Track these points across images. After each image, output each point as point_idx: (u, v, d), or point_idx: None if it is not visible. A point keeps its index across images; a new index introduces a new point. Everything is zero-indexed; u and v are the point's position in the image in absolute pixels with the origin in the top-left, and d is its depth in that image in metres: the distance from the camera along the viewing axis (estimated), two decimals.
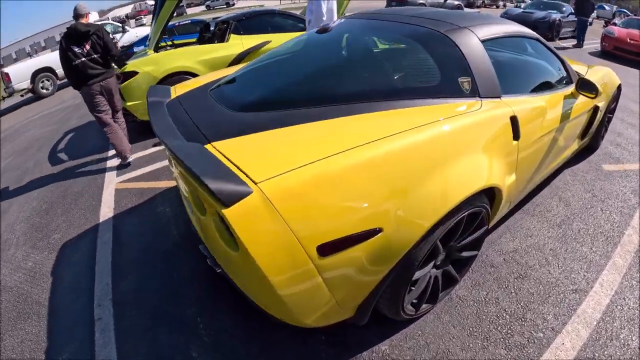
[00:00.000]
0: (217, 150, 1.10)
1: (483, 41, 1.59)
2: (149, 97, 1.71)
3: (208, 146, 1.12)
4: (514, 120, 1.51)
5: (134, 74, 3.94)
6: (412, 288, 1.41)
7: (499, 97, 1.55)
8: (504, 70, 1.92)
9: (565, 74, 2.18)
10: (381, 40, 1.79)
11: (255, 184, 0.93)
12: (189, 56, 4.20)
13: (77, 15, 3.16)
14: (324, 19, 3.42)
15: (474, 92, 1.47)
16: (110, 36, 3.23)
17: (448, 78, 1.47)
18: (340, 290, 1.11)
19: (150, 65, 4.00)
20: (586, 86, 2.01)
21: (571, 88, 2.10)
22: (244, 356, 1.49)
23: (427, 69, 1.51)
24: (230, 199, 0.90)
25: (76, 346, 1.62)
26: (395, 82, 1.52)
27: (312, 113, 1.26)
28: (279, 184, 0.94)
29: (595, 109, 2.51)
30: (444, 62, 1.50)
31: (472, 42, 1.54)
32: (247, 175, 0.96)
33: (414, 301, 1.49)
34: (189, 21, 7.95)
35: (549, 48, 2.10)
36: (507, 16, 9.58)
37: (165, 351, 1.54)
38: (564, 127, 2.05)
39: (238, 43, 4.48)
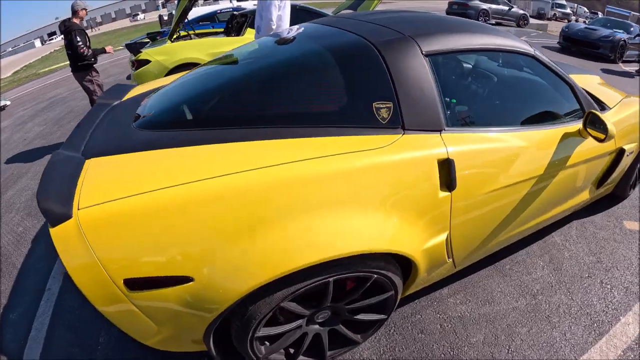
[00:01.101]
0: (87, 167, 1.04)
1: (429, 55, 1.20)
2: (98, 99, 1.70)
3: (87, 161, 1.06)
4: (446, 164, 1.13)
5: (146, 62, 3.98)
6: (267, 343, 1.20)
7: (439, 131, 1.17)
8: (468, 94, 1.50)
9: (575, 105, 1.67)
10: (310, 53, 1.44)
11: (78, 209, 0.89)
12: (201, 48, 4.14)
13: (71, 12, 3.48)
14: (274, 27, 2.88)
15: (395, 123, 1.12)
16: (78, 39, 3.42)
17: (359, 102, 1.13)
18: (166, 325, 1.02)
19: (162, 54, 4.02)
20: (596, 124, 1.51)
21: (579, 124, 1.60)
22: (139, 349, 1.41)
23: (334, 90, 1.18)
24: (54, 220, 0.88)
25: (25, 309, 1.79)
26: (289, 105, 1.21)
27: (186, 137, 1.10)
28: (95, 213, 0.88)
29: (620, 152, 1.93)
30: (358, 81, 1.16)
31: (407, 57, 1.17)
32: (79, 200, 0.92)
33: (290, 351, 1.26)
34: (232, 9, 7.97)
35: (552, 69, 1.59)
36: (568, 31, 8.35)
37: (84, 329, 1.62)
38: (561, 173, 1.57)
39: (252, 38, 4.32)
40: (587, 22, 10.35)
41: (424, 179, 1.10)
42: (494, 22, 12.58)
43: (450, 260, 1.35)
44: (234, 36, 4.41)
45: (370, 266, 1.09)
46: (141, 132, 1.19)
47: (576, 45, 8.03)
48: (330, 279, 1.04)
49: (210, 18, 7.68)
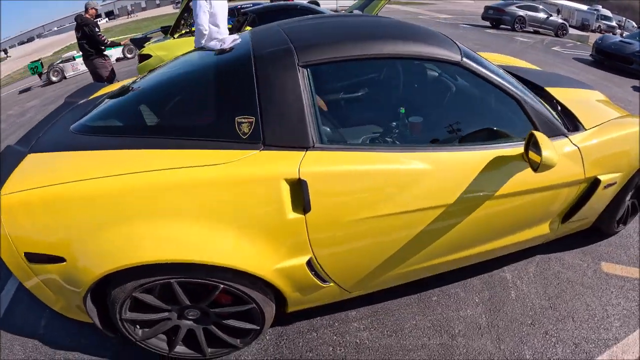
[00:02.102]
0: (25, 161, 1.18)
1: (308, 66, 1.11)
2: (67, 98, 1.83)
3: (28, 156, 1.20)
4: (297, 184, 0.99)
5: (148, 56, 4.06)
6: (139, 326, 1.27)
7: (305, 149, 1.05)
8: (361, 108, 1.31)
9: (526, 123, 1.37)
10: (201, 67, 1.53)
11: (3, 195, 1.05)
12: None
13: (84, 9, 4.01)
14: (205, 32, 2.71)
15: (255, 138, 1.08)
16: (97, 29, 3.96)
17: (224, 116, 1.13)
18: (58, 294, 1.18)
19: (163, 50, 4.09)
20: (535, 150, 1.21)
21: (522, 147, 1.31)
22: (75, 329, 1.50)
23: (206, 104, 1.23)
24: None
25: (3, 277, 1.89)
26: (163, 118, 1.32)
27: (91, 142, 1.23)
28: (11, 199, 1.05)
29: (594, 183, 1.58)
30: (227, 95, 1.20)
31: (278, 69, 1.11)
32: (4, 186, 1.08)
33: (173, 338, 1.31)
34: (251, 5, 7.98)
35: (489, 81, 1.30)
36: (602, 43, 7.45)
37: (38, 305, 1.48)
38: (493, 204, 1.31)
39: None
40: (623, 34, 9.16)
41: (270, 198, 1.06)
42: (531, 30, 11.59)
43: (331, 284, 1.21)
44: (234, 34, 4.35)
45: (212, 275, 1.10)
46: (72, 134, 1.32)
47: (609, 59, 7.14)
48: (172, 280, 1.10)
49: (230, 12, 7.70)
